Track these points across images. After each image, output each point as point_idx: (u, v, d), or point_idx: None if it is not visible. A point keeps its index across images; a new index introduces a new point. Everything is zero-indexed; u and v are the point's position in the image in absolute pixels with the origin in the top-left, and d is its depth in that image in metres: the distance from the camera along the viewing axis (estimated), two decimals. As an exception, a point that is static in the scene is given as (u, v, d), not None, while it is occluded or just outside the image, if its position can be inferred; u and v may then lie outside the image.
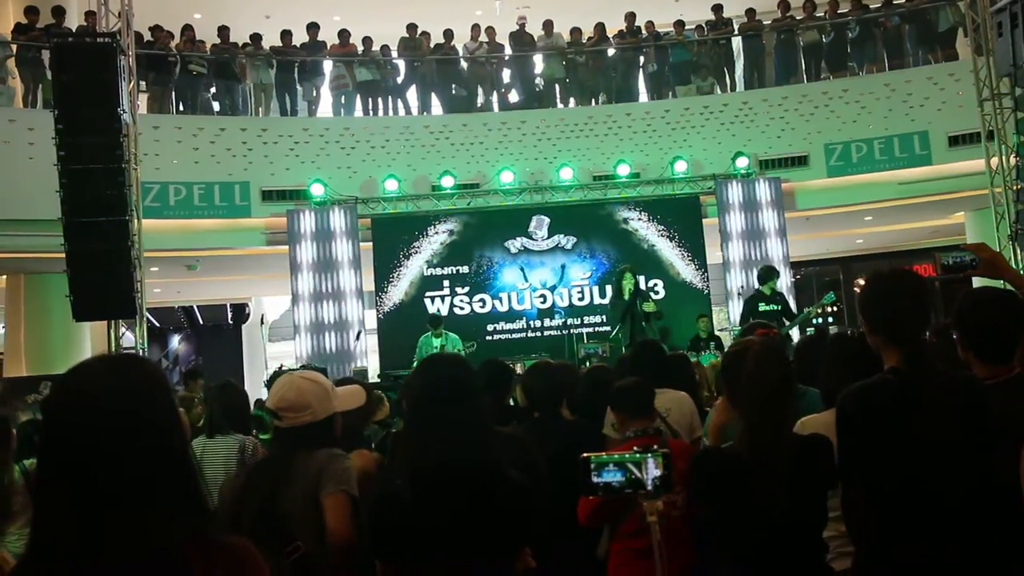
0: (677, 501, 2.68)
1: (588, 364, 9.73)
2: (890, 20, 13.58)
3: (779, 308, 10.02)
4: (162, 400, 1.48)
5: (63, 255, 8.36)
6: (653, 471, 2.46)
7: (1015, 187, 9.59)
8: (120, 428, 1.38)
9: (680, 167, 12.81)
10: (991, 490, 2.25)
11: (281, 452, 2.72)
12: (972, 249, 3.10)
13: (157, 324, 19.80)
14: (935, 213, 14.18)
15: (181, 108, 12.89)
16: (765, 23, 14.07)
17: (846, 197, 13.15)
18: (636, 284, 10.45)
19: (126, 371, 1.47)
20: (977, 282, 9.13)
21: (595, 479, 2.53)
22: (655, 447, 2.49)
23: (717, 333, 11.60)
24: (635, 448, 2.52)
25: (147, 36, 12.39)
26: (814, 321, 10.44)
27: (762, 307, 9.93)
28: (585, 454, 2.60)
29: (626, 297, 10.29)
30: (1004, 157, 10.14)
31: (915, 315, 2.51)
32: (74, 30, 11.82)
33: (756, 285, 10.58)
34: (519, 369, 8.74)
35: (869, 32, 13.58)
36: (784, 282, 12.58)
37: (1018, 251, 9.44)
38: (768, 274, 10.26)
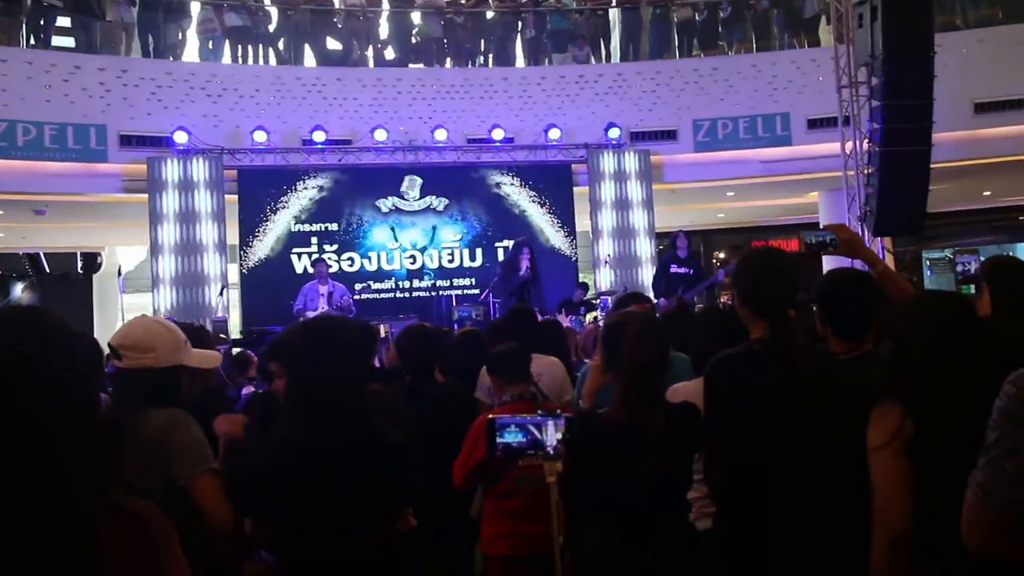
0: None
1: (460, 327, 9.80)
2: (760, 3, 14.04)
3: (691, 272, 10.28)
4: (73, 353, 1.43)
5: None
6: (553, 434, 2.51)
7: (866, 171, 10.14)
8: (31, 381, 1.34)
9: (554, 135, 12.93)
10: (842, 459, 2.40)
11: (118, 405, 2.51)
12: (832, 229, 3.26)
13: (-1, 271, 18.65)
14: (792, 192, 14.85)
15: (32, 42, 12.07)
16: (642, -4, 14.30)
17: (711, 172, 13.58)
18: (533, 260, 10.41)
19: (39, 323, 1.41)
20: (828, 261, 9.67)
21: (498, 440, 2.56)
22: (558, 411, 2.55)
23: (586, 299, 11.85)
24: (539, 412, 2.57)
25: (-3, -38, 11.53)
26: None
27: (673, 268, 10.17)
28: (490, 416, 2.63)
29: (521, 272, 10.12)
30: (858, 142, 10.69)
31: (782, 291, 2.66)
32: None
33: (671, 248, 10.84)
34: (383, 331, 8.72)
35: (740, 13, 14.01)
36: (648, 252, 12.97)
37: (866, 232, 10.00)
38: (683, 237, 10.53)
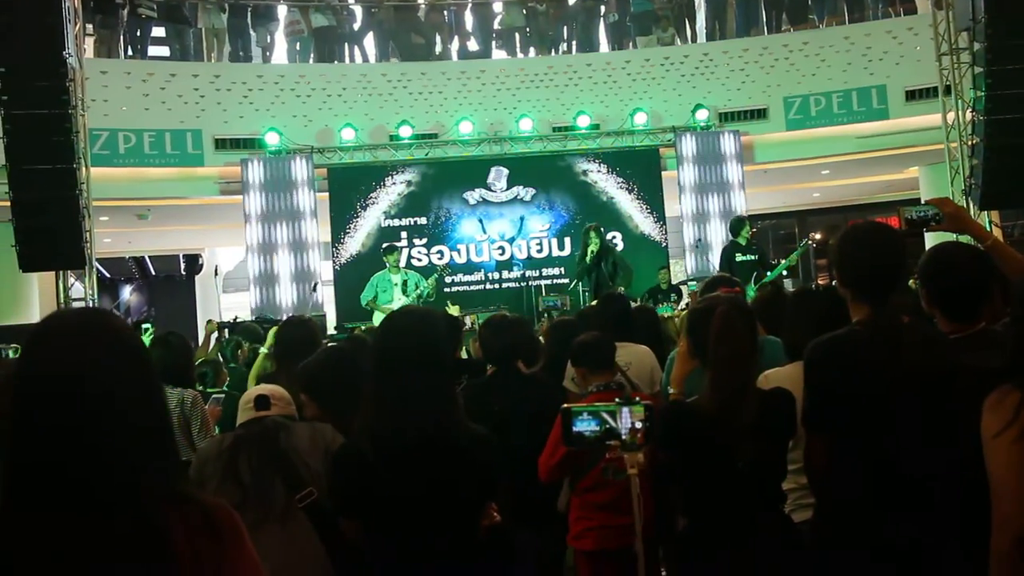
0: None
1: (548, 317, 9.72)
2: (851, -28, 13.53)
3: (756, 258, 10.00)
4: (143, 354, 1.47)
5: (8, 203, 8.10)
6: (629, 422, 2.42)
7: (970, 142, 9.65)
8: (105, 380, 1.36)
9: (640, 119, 12.73)
10: (953, 448, 2.25)
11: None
12: (935, 204, 3.08)
13: (108, 275, 19.42)
14: (891, 167, 14.31)
15: (130, 52, 12.50)
16: (727, -27, 13.96)
17: (804, 150, 13.20)
18: (602, 244, 9.89)
19: (107, 324, 1.44)
20: (931, 238, 9.25)
21: (573, 429, 2.49)
22: (637, 399, 2.46)
23: (675, 284, 11.65)
24: (617, 399, 2.49)
25: (93, -24, 11.94)
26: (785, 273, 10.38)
27: (739, 257, 9.91)
28: (566, 405, 2.56)
29: (588, 260, 9.74)
30: (960, 112, 10.20)
31: (889, 271, 2.49)
32: (15, -32, 11.34)
33: (730, 236, 10.53)
34: (468, 322, 8.67)
35: (830, -16, 13.54)
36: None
37: (972, 206, 9.53)
38: (740, 224, 10.21)
